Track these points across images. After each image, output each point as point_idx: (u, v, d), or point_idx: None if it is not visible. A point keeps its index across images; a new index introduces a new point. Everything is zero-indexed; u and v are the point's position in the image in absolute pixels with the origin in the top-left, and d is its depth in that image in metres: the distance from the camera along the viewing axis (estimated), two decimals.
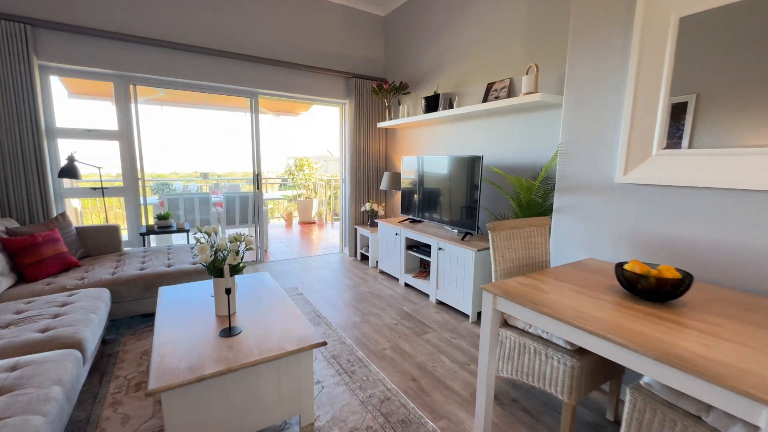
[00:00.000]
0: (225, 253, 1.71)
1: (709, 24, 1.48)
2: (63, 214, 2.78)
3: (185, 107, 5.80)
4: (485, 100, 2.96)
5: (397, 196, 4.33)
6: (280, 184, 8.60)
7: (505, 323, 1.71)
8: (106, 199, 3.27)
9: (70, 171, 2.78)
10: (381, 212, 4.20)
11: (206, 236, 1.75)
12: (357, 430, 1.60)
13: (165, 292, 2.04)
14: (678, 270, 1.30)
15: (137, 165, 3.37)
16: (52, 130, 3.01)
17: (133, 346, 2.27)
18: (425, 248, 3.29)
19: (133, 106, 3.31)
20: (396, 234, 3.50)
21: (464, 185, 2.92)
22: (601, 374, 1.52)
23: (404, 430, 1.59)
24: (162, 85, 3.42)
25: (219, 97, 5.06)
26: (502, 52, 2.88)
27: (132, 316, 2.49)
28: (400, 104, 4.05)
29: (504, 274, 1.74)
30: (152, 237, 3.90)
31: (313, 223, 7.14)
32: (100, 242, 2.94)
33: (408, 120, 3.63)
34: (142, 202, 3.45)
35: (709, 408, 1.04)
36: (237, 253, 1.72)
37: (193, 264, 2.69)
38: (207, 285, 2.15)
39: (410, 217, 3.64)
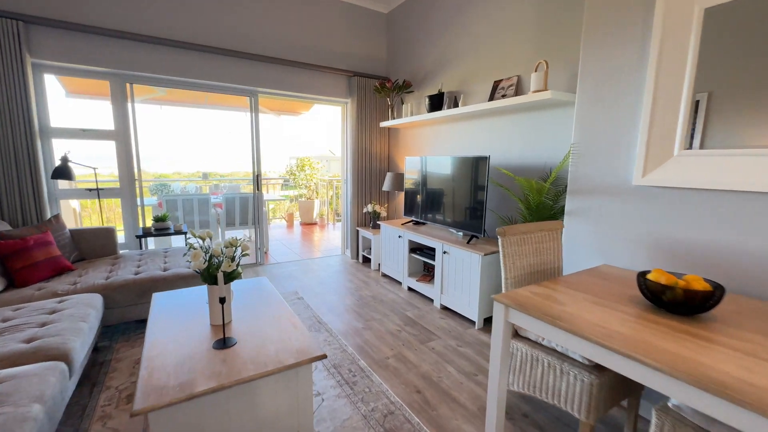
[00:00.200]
0: (220, 259, 1.62)
1: (736, 15, 1.38)
2: (57, 217, 2.70)
3: (185, 107, 5.72)
4: (491, 98, 2.86)
5: (400, 198, 4.23)
6: (282, 185, 8.52)
7: (516, 333, 1.61)
8: (105, 200, 3.20)
9: (63, 172, 2.70)
10: (383, 214, 4.11)
11: (200, 241, 1.66)
12: None
13: (158, 299, 1.95)
14: (707, 281, 1.19)
15: (134, 165, 3.29)
16: (47, 130, 2.93)
17: (126, 354, 2.18)
18: (429, 251, 3.20)
19: (129, 105, 3.23)
20: (399, 236, 3.40)
21: (470, 187, 2.82)
22: (621, 390, 1.42)
23: None
24: (159, 84, 3.34)
25: (219, 96, 4.98)
26: (510, 48, 2.78)
27: (127, 321, 2.41)
28: (403, 103, 3.95)
29: (515, 281, 1.64)
30: (151, 239, 3.83)
31: (315, 224, 7.05)
32: (95, 245, 2.86)
33: (411, 119, 3.53)
34: (139, 203, 3.37)
35: None
36: (232, 259, 1.63)
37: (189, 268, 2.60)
38: (203, 290, 2.07)
39: (413, 219, 3.54)
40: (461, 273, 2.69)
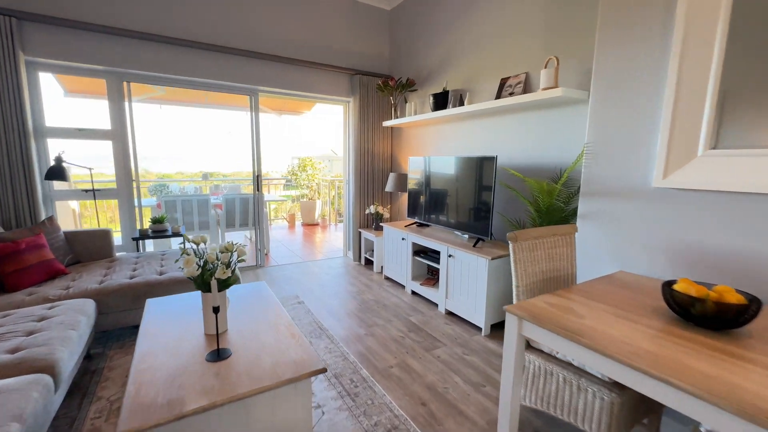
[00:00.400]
0: (214, 265, 1.53)
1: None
2: (51, 218, 2.63)
3: (185, 106, 5.65)
4: (498, 96, 2.76)
5: (404, 199, 4.14)
6: (285, 185, 8.44)
7: (528, 344, 1.51)
8: (105, 201, 3.13)
9: (57, 172, 2.62)
10: (386, 215, 4.02)
11: (194, 246, 1.57)
12: None
13: (152, 306, 1.87)
14: (740, 292, 1.10)
15: (131, 166, 3.21)
16: (42, 130, 2.86)
17: (119, 362, 2.11)
18: (433, 254, 3.10)
19: (126, 104, 3.15)
20: (402, 239, 3.31)
21: (476, 188, 2.72)
22: (642, 409, 1.32)
23: None
24: (157, 83, 3.26)
25: (220, 95, 4.91)
26: (517, 44, 2.68)
27: (122, 327, 2.33)
28: (406, 102, 3.86)
29: (527, 289, 1.54)
30: (150, 241, 3.75)
31: (317, 224, 6.97)
32: (90, 248, 2.78)
33: (415, 118, 3.44)
34: (136, 204, 3.30)
35: None
36: (228, 265, 1.54)
37: None
38: (199, 296, 1.98)
39: (417, 220, 3.45)
40: (467, 277, 2.60)
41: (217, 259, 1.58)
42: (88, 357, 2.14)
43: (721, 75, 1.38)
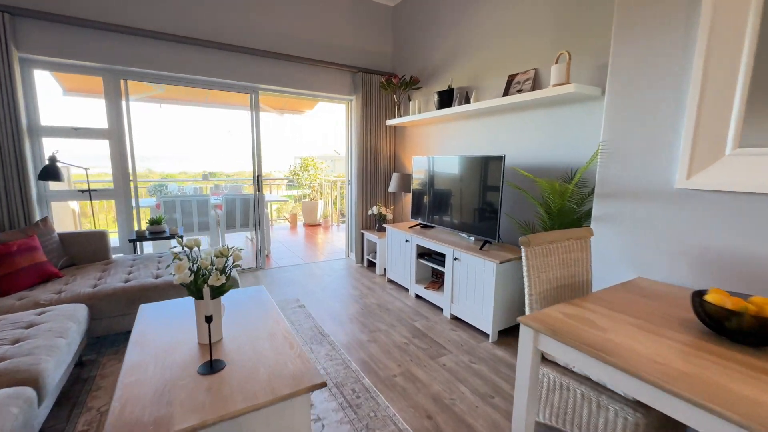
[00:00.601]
0: (209, 270, 1.44)
1: None
2: (45, 220, 2.56)
3: (186, 105, 5.59)
4: (506, 93, 2.66)
5: (407, 199, 4.04)
6: (287, 185, 8.36)
7: (541, 356, 1.42)
8: (106, 201, 3.06)
9: (51, 172, 2.55)
10: (389, 216, 3.92)
11: (186, 250, 1.49)
12: None
13: (145, 312, 1.79)
14: None
15: (128, 165, 3.14)
16: (36, 129, 2.79)
17: (113, 369, 2.03)
18: (438, 257, 3.01)
19: (124, 102, 3.08)
20: (406, 241, 3.22)
21: (483, 188, 2.62)
22: (669, 427, 1.22)
23: None
24: (155, 80, 3.19)
25: (220, 94, 4.84)
26: (526, 39, 2.58)
27: (117, 333, 2.25)
28: (410, 100, 3.77)
29: (540, 298, 1.45)
30: (149, 242, 3.68)
31: (319, 225, 6.89)
32: (85, 250, 2.71)
33: (419, 117, 3.35)
34: (134, 204, 3.22)
35: None
36: (222, 271, 1.46)
37: None
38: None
39: (421, 222, 3.35)
40: (473, 281, 2.50)
41: (212, 264, 1.50)
42: (80, 364, 2.06)
43: (752, 68, 1.28)
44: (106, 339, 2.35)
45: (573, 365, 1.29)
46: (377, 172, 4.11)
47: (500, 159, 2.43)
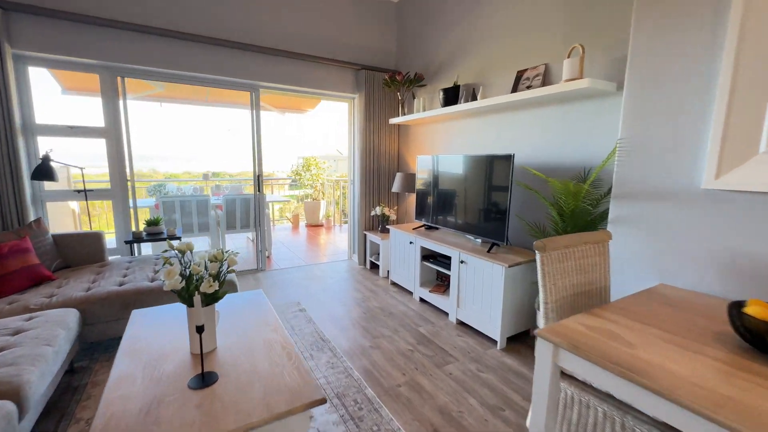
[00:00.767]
0: (201, 276, 1.36)
1: None
2: (38, 221, 2.48)
3: (187, 104, 5.52)
4: (515, 90, 2.56)
5: (411, 200, 3.95)
6: (290, 185, 8.29)
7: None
8: (107, 202, 2.99)
9: (44, 172, 2.48)
10: (393, 217, 3.83)
11: (178, 255, 1.40)
12: None
13: (137, 318, 1.71)
14: None
15: (126, 165, 3.06)
16: (31, 127, 2.72)
17: (105, 377, 1.94)
18: (443, 259, 2.91)
19: (121, 100, 3.00)
20: (410, 242, 3.12)
21: (491, 188, 2.52)
22: None
23: None
24: (153, 78, 3.11)
25: (221, 93, 4.76)
26: (536, 33, 2.48)
27: (111, 338, 2.17)
28: (414, 98, 3.67)
29: (556, 306, 1.35)
30: (148, 243, 3.59)
31: (321, 225, 6.81)
32: (80, 251, 2.63)
33: (424, 115, 3.25)
34: (131, 205, 3.15)
35: None
36: (216, 277, 1.37)
37: None
38: None
39: (426, 223, 3.25)
40: (481, 286, 2.40)
41: (206, 268, 1.41)
42: (71, 371, 1.98)
43: None
44: (99, 344, 2.27)
45: (596, 383, 1.19)
46: (380, 172, 4.01)
47: (509, 158, 2.33)
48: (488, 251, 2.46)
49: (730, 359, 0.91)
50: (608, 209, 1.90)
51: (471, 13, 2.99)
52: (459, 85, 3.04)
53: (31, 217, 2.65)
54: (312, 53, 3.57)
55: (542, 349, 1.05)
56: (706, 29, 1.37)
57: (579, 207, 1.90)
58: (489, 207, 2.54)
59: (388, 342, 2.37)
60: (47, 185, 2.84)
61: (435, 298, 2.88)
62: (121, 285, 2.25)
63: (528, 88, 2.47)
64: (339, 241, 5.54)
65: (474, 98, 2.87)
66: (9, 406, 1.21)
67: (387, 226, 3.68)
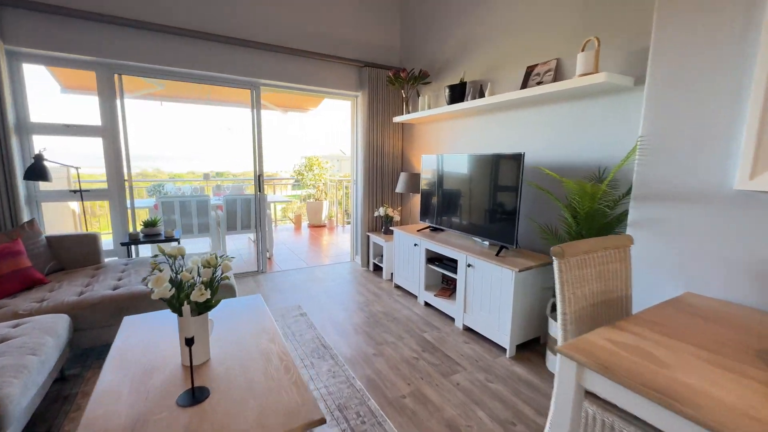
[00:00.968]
0: (194, 283, 1.27)
1: None
2: (31, 222, 2.41)
3: (188, 103, 5.45)
4: (524, 86, 2.45)
5: (415, 200, 3.85)
6: (293, 185, 8.21)
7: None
8: (107, 202, 2.92)
9: (37, 172, 2.40)
10: (397, 218, 3.73)
11: (169, 260, 1.31)
12: None
13: (127, 325, 1.62)
14: None
15: (123, 164, 2.98)
16: (26, 126, 2.65)
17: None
18: (450, 263, 2.80)
19: (118, 98, 2.93)
20: (415, 244, 3.02)
21: (499, 189, 2.42)
22: None
23: None
24: (150, 75, 3.03)
25: (223, 91, 4.68)
26: (547, 27, 2.37)
27: (104, 344, 2.09)
28: (419, 95, 3.57)
29: (575, 318, 1.24)
30: (147, 245, 3.51)
31: (324, 226, 6.72)
32: (75, 254, 2.56)
33: (429, 113, 3.14)
34: (129, 205, 3.07)
35: None
36: (208, 284, 1.28)
37: None
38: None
39: (431, 224, 3.15)
40: (489, 290, 2.30)
41: (198, 274, 1.32)
42: (62, 379, 1.90)
43: None
44: (92, 350, 2.19)
45: (627, 407, 1.09)
46: (384, 172, 3.92)
47: (519, 157, 2.22)
48: (497, 254, 2.36)
49: None
50: (626, 211, 1.79)
51: (478, 7, 2.89)
52: (465, 82, 2.93)
53: (25, 218, 2.58)
54: (314, 50, 3.48)
55: (565, 369, 0.95)
56: (738, 15, 1.26)
57: (595, 209, 1.79)
58: (497, 208, 2.43)
59: (392, 349, 2.27)
60: (43, 185, 2.77)
61: (440, 303, 2.78)
62: (115, 289, 2.16)
63: (539, 84, 2.36)
64: (342, 242, 5.45)
65: (481, 95, 2.76)
66: None
67: (391, 228, 3.58)
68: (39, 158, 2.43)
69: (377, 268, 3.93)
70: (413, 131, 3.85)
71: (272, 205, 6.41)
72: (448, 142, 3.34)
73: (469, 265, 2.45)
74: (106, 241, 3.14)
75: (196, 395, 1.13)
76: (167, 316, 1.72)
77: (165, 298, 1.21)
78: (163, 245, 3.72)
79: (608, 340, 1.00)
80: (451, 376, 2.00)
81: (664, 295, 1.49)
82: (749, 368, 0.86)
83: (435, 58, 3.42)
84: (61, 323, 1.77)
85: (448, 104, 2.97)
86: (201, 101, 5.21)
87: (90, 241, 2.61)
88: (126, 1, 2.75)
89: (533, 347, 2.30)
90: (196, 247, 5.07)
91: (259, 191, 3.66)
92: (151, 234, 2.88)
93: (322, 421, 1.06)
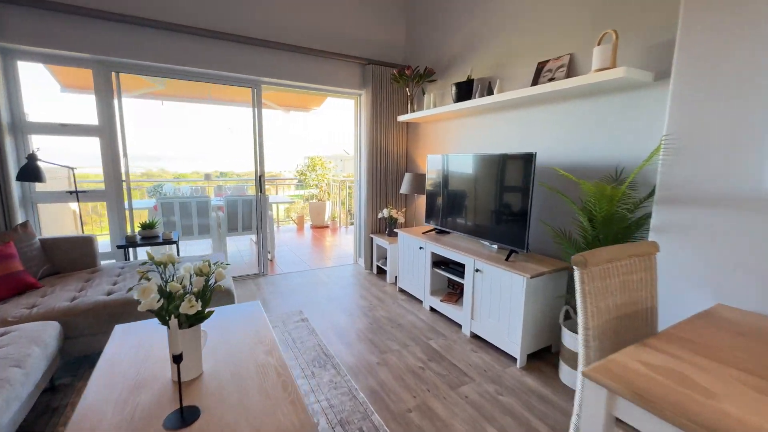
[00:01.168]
0: (184, 294, 1.18)
1: None
2: (24, 224, 2.34)
3: (189, 102, 5.38)
4: (535, 83, 2.34)
5: (420, 202, 3.74)
6: (296, 185, 8.14)
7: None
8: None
9: (31, 172, 2.33)
10: (401, 220, 3.63)
11: (159, 269, 1.22)
12: None
13: (118, 334, 1.54)
14: None
15: (120, 164, 2.91)
16: (21, 125, 2.58)
17: None
18: (456, 267, 2.70)
19: (115, 96, 2.85)
20: (420, 248, 2.92)
21: (509, 190, 2.31)
22: None
23: None
24: (149, 73, 2.95)
25: (224, 90, 4.61)
26: (559, 20, 2.26)
27: (97, 352, 2.01)
28: (424, 94, 3.46)
29: (599, 332, 1.14)
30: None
31: (326, 227, 6.64)
32: (70, 256, 2.48)
33: (434, 111, 3.04)
34: (126, 206, 3.00)
35: None
36: (200, 295, 1.19)
37: None
38: None
39: (437, 227, 3.05)
40: (498, 297, 2.19)
41: (190, 283, 1.23)
42: (52, 389, 1.82)
43: None
44: (86, 358, 2.11)
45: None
46: (388, 173, 3.82)
47: (530, 157, 2.12)
48: (506, 259, 2.25)
49: None
50: (645, 215, 1.68)
51: (486, 1, 2.78)
52: (473, 79, 2.83)
53: (20, 220, 2.51)
54: (316, 47, 3.39)
55: (592, 395, 0.85)
56: None
57: (614, 212, 1.68)
58: (507, 210, 2.33)
59: (396, 357, 2.18)
60: (39, 186, 2.70)
61: (447, 308, 2.68)
62: (109, 294, 2.08)
63: (550, 80, 2.25)
64: (344, 243, 5.36)
65: (490, 93, 2.66)
66: None
67: (395, 230, 3.48)
68: (32, 158, 2.35)
69: (381, 271, 3.83)
70: (418, 130, 3.75)
71: (274, 205, 6.34)
72: (455, 142, 3.23)
73: (477, 270, 2.34)
74: (104, 243, 3.07)
75: (184, 416, 1.04)
76: (160, 324, 1.63)
77: (153, 309, 1.12)
78: (158, 247, 3.64)
79: (640, 361, 0.89)
80: (459, 387, 1.90)
81: (691, 306, 1.38)
82: None
83: (441, 54, 3.32)
84: (50, 331, 1.69)
85: (455, 102, 2.87)
86: (203, 100, 5.15)
87: (85, 243, 2.53)
88: None
89: (544, 356, 2.20)
90: (196, 248, 5.00)
91: (260, 192, 3.58)
92: (149, 236, 2.80)
93: None
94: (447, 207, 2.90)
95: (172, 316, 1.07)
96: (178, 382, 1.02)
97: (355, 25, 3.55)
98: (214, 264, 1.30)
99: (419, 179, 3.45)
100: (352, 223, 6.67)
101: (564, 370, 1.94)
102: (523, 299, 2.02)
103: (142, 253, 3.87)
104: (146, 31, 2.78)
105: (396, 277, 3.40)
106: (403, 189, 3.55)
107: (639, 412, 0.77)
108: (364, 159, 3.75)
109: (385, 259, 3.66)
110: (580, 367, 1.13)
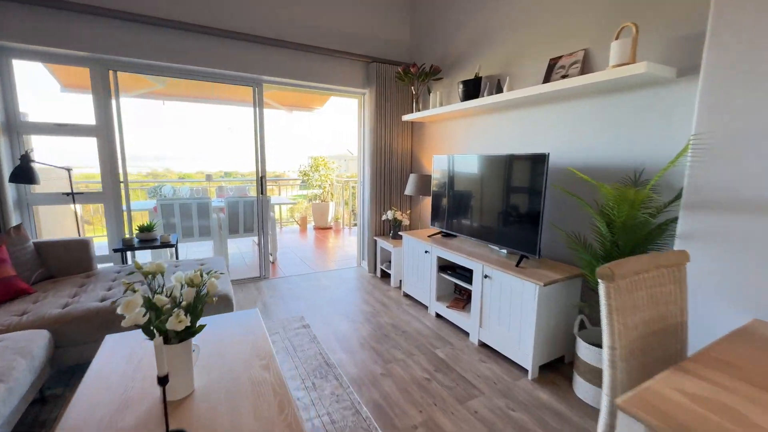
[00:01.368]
0: (172, 308, 1.09)
1: None
2: (18, 227, 2.27)
3: (191, 101, 5.32)
4: (547, 80, 2.24)
5: (426, 203, 3.64)
6: (300, 185, 8.06)
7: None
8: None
9: (24, 173, 2.26)
10: (406, 222, 3.53)
11: (148, 279, 1.14)
12: None
13: (109, 345, 1.46)
14: None
15: (118, 165, 2.84)
16: (15, 125, 2.52)
17: None
18: (463, 272, 2.60)
19: (113, 95, 2.78)
20: (426, 252, 2.82)
21: (520, 192, 2.21)
22: None
23: None
24: (147, 71, 2.88)
25: (227, 90, 4.53)
26: (573, 13, 2.15)
27: (89, 362, 1.93)
28: (429, 92, 3.36)
29: (627, 352, 1.03)
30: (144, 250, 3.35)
31: (330, 228, 6.55)
32: (66, 260, 2.41)
33: (440, 110, 2.94)
34: (124, 208, 2.93)
35: None
36: (191, 308, 1.10)
37: None
38: None
39: (443, 230, 2.95)
40: (509, 305, 2.09)
41: (180, 294, 1.14)
42: (42, 400, 1.74)
43: None
44: (78, 367, 2.03)
45: None
46: (392, 173, 3.72)
47: (543, 158, 2.01)
48: (517, 265, 2.15)
49: None
50: (668, 221, 1.57)
51: None
52: (481, 77, 2.72)
53: (14, 223, 2.44)
54: (318, 44, 3.30)
55: (628, 431, 0.75)
56: None
57: (635, 217, 1.57)
58: (518, 214, 2.22)
59: (401, 368, 2.08)
60: (36, 187, 2.64)
61: (453, 315, 2.58)
62: (103, 300, 2.01)
63: (563, 77, 2.14)
64: (348, 245, 5.26)
65: (499, 91, 2.55)
66: None
67: (399, 232, 3.39)
68: (25, 159, 2.28)
69: (385, 275, 3.73)
70: (423, 130, 3.65)
71: (277, 207, 6.27)
72: (462, 142, 3.13)
73: (486, 276, 2.24)
74: (103, 245, 3.01)
75: None
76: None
77: (138, 324, 1.03)
78: (157, 251, 3.57)
79: (680, 391, 0.79)
80: (467, 401, 1.80)
81: (724, 322, 1.27)
82: None
83: (447, 52, 3.22)
84: (39, 341, 1.61)
85: (462, 101, 2.77)
86: (205, 100, 5.08)
87: (81, 247, 2.46)
88: None
89: (557, 367, 2.09)
90: (196, 250, 4.94)
91: (262, 193, 3.50)
92: (147, 239, 2.72)
93: None
94: (453, 209, 2.80)
95: (157, 334, 0.98)
96: (164, 406, 0.93)
97: (358, 21, 3.46)
98: (207, 274, 1.21)
99: (424, 180, 3.35)
100: (355, 224, 6.59)
101: (579, 383, 1.83)
102: (535, 308, 1.91)
103: (142, 255, 3.81)
104: (144, 28, 2.70)
105: (400, 281, 3.31)
106: (408, 190, 3.45)
107: None
108: (367, 159, 3.66)
109: (389, 262, 3.56)
110: (605, 389, 1.02)
